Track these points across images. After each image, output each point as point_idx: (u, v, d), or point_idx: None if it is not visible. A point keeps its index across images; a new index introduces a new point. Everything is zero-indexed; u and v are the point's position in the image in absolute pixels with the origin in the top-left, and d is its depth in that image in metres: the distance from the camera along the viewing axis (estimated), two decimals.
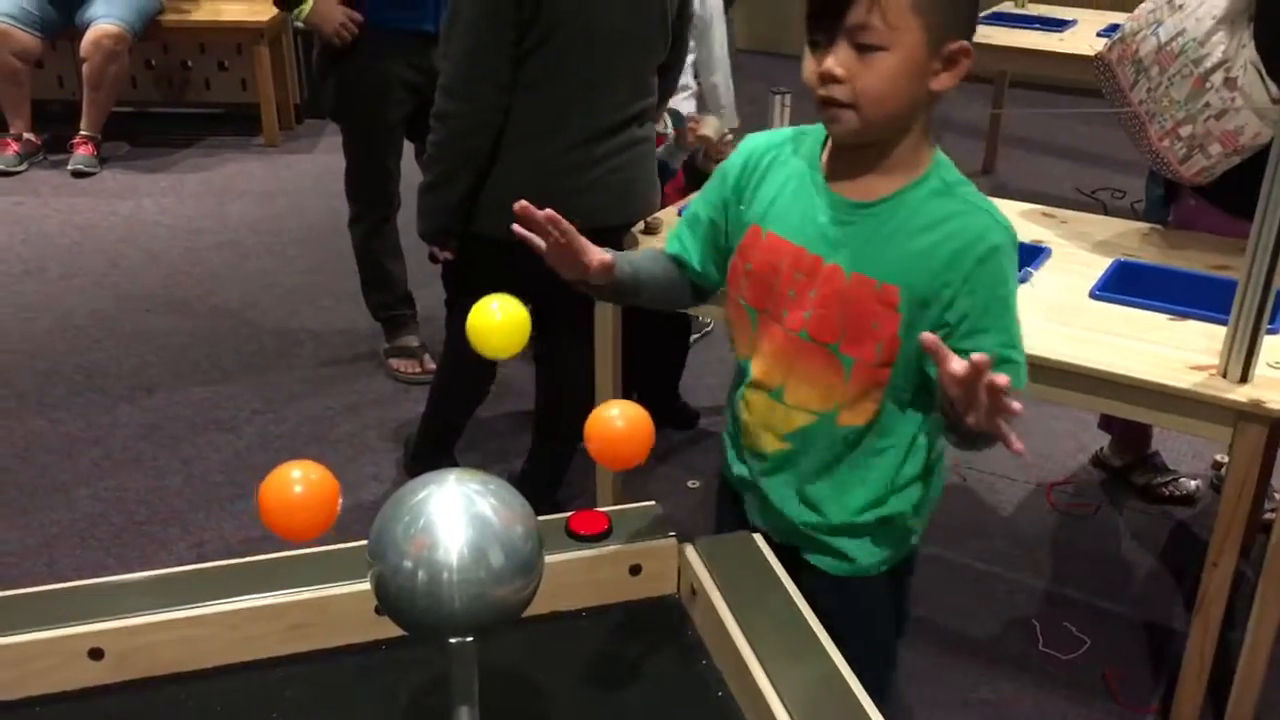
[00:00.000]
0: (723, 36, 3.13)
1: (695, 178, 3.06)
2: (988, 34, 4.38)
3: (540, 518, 1.02)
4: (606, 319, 2.44)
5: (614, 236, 2.41)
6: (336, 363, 3.59)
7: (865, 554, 1.52)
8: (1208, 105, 2.22)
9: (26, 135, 5.06)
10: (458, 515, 0.95)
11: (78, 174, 4.95)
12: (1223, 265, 2.29)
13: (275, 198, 4.85)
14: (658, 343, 3.12)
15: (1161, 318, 2.13)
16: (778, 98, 2.37)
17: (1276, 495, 2.79)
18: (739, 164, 1.49)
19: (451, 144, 2.36)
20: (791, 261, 1.41)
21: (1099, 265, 2.33)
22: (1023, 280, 2.17)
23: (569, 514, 1.37)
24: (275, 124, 5.41)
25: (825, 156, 1.42)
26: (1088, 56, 2.66)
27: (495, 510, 0.97)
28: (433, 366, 3.32)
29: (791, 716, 1.11)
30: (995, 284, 1.35)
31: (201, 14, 5.34)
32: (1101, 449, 3.11)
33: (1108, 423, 3.01)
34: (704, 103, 3.15)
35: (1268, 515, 2.65)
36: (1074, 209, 2.71)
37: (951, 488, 2.97)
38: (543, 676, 1.24)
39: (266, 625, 1.24)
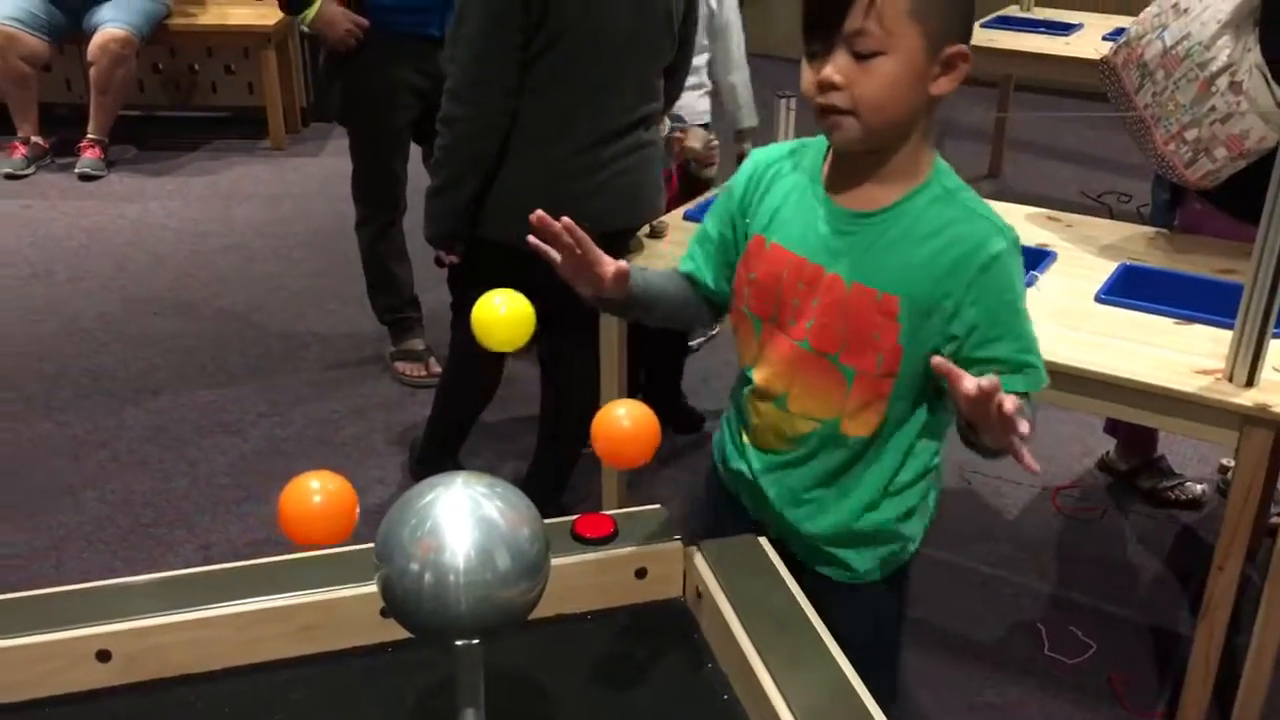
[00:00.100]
0: (740, 37, 3.13)
1: (690, 184, 3.06)
2: (993, 37, 4.38)
3: (546, 521, 1.03)
4: (612, 323, 2.43)
5: (621, 240, 2.42)
6: (342, 366, 3.60)
7: (861, 559, 1.53)
8: (1213, 109, 2.21)
9: (34, 139, 5.08)
10: (464, 518, 0.95)
11: (85, 177, 4.96)
12: (1228, 269, 2.29)
13: (281, 201, 4.86)
14: (659, 346, 3.12)
15: (1167, 322, 2.13)
16: (783, 101, 2.38)
17: None
18: (744, 179, 1.49)
19: (458, 148, 2.36)
20: (794, 272, 1.42)
21: (1104, 269, 2.33)
22: (1028, 284, 2.17)
23: (574, 517, 1.37)
24: (281, 127, 5.42)
25: (826, 168, 1.42)
26: (1093, 60, 2.66)
27: (501, 513, 0.97)
28: (438, 370, 3.31)
29: (797, 719, 1.11)
30: (1002, 290, 1.35)
31: (208, 18, 5.35)
32: (1107, 453, 3.11)
33: (1113, 427, 3.00)
34: (719, 101, 3.15)
35: (1274, 519, 2.64)
36: (1079, 213, 2.72)
37: (957, 491, 2.97)
38: (548, 679, 1.24)
39: (273, 627, 1.24)
